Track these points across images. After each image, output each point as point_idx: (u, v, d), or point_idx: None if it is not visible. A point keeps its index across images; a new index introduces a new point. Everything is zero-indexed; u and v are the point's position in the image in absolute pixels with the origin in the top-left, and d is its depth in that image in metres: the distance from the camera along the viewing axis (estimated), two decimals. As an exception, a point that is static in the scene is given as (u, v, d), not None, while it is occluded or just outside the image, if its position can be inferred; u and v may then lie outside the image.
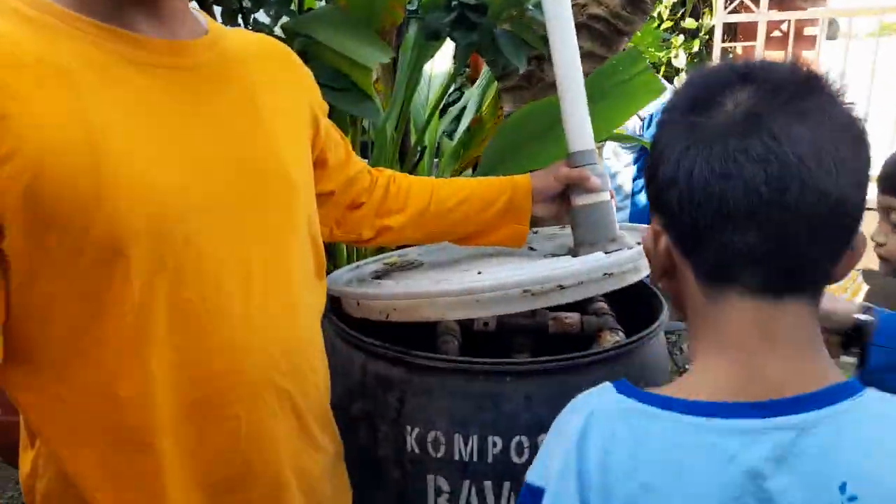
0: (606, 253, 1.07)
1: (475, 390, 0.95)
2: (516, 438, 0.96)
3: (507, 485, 0.97)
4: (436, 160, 2.01)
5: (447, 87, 1.53)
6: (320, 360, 0.83)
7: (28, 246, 0.57)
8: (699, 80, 0.54)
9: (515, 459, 0.96)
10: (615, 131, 1.52)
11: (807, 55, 3.70)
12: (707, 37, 3.78)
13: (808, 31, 3.65)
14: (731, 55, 3.67)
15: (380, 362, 1.01)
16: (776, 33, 3.67)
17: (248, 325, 0.69)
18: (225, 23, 1.23)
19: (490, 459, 0.96)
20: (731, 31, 3.66)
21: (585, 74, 1.61)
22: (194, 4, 1.22)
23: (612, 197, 1.12)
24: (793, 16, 3.53)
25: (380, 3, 1.14)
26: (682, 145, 0.51)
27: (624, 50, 1.54)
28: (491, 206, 1.05)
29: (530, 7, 1.39)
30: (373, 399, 1.02)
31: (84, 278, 0.59)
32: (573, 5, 1.50)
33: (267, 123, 0.73)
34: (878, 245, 1.06)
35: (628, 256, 1.04)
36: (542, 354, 1.16)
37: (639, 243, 1.21)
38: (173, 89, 0.65)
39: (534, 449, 0.96)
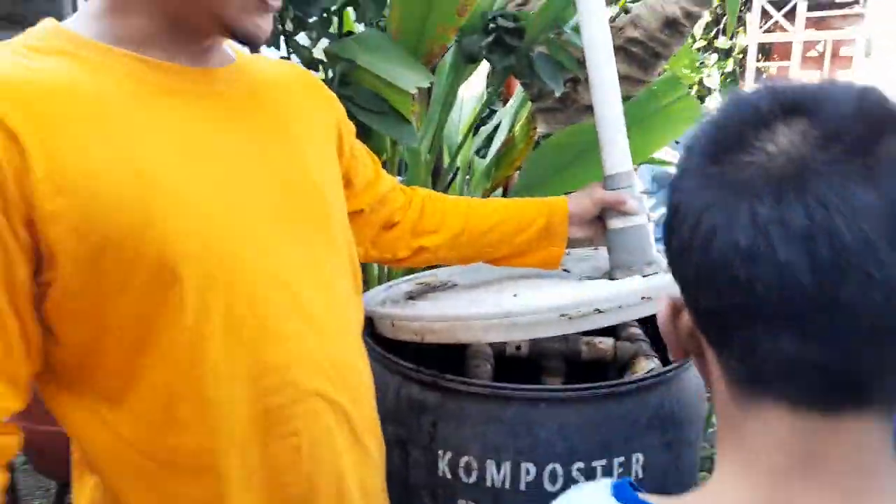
0: (644, 276, 1.07)
1: (509, 416, 0.95)
2: (550, 466, 0.95)
3: (539, 513, 0.96)
4: (466, 177, 2.02)
5: (482, 109, 1.54)
6: (367, 374, 0.84)
7: (81, 272, 0.59)
8: (729, 110, 0.40)
9: (549, 487, 0.95)
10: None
11: (842, 74, 3.65)
12: (741, 56, 3.76)
13: (843, 51, 3.60)
14: (765, 75, 3.63)
15: (414, 386, 1.01)
16: (812, 53, 3.63)
17: (299, 339, 0.70)
18: (267, 45, 1.25)
19: (523, 486, 0.95)
20: (766, 51, 3.62)
21: (623, 98, 1.61)
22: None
23: (649, 220, 1.12)
24: (829, 35, 3.49)
25: (430, 28, 1.15)
26: (699, 203, 0.38)
27: (661, 73, 1.53)
28: (527, 228, 1.05)
29: (567, 30, 1.40)
30: (406, 423, 1.02)
31: (138, 301, 0.61)
32: (610, 28, 1.50)
33: (298, 144, 0.76)
34: None
35: (667, 280, 1.03)
36: (575, 380, 1.16)
37: None
38: (208, 115, 0.68)
39: (567, 477, 0.95)
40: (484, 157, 2.01)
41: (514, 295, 1.07)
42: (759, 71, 3.60)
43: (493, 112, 2.23)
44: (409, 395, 1.02)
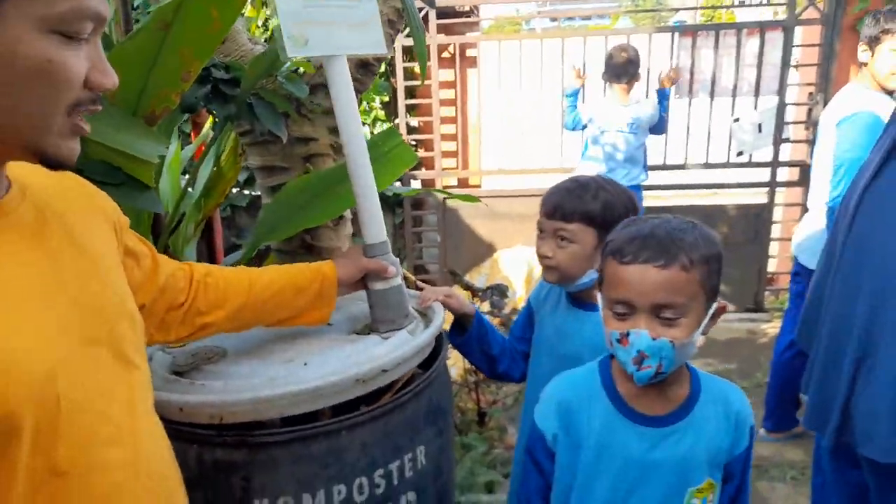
0: (405, 328, 1.25)
1: (317, 451, 1.06)
2: (357, 481, 1.10)
3: (352, 522, 1.11)
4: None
5: (209, 158, 1.53)
6: (180, 481, 0.84)
7: None
8: None
9: (357, 499, 1.10)
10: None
11: (471, 72, 4.38)
12: (391, 56, 4.20)
13: (469, 52, 4.32)
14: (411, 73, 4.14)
15: (218, 450, 1.04)
16: (445, 54, 4.26)
17: (123, 467, 0.70)
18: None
19: (336, 506, 1.08)
20: (409, 52, 4.12)
21: (332, 128, 1.77)
22: None
23: (403, 280, 1.30)
24: (457, 40, 4.14)
25: (151, 91, 1.12)
26: None
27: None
28: (302, 293, 1.14)
29: (280, 78, 1.49)
30: (214, 486, 1.05)
31: None
32: (313, 67, 1.63)
33: (96, 262, 0.74)
34: (546, 258, 1.33)
35: (429, 335, 1.24)
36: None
37: (420, 311, 1.39)
38: (4, 250, 0.64)
39: (371, 484, 1.11)
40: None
41: (305, 364, 1.14)
42: (405, 70, 4.07)
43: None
44: (213, 459, 1.05)
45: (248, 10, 1.92)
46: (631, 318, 0.97)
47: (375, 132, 4.14)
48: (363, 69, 1.68)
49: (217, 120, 1.42)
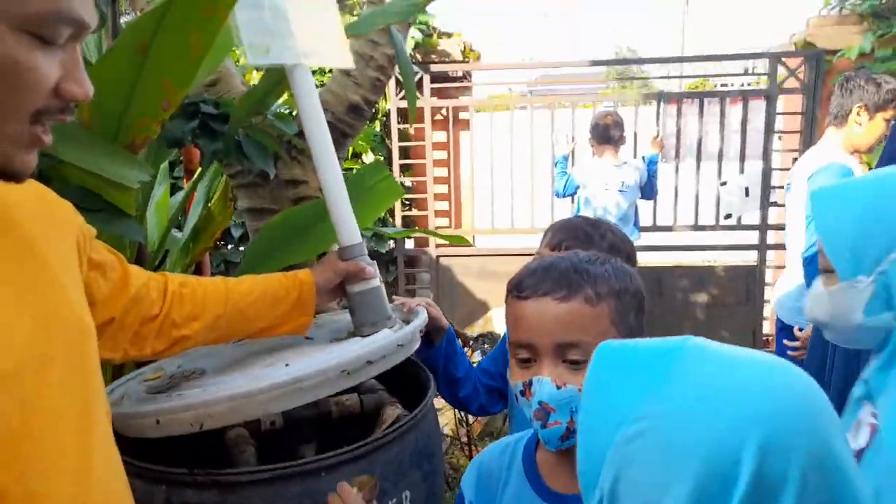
0: (390, 328, 1.22)
1: (294, 492, 0.99)
2: (337, 527, 1.02)
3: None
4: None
5: (188, 191, 1.52)
6: None
7: None
8: None
9: (337, 547, 1.02)
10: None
11: (463, 134, 4.47)
12: (384, 118, 4.28)
13: (462, 115, 4.42)
14: (406, 134, 4.22)
15: (188, 490, 0.97)
16: (438, 117, 4.35)
17: (73, 499, 0.65)
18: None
19: (315, 552, 1.00)
20: (404, 114, 4.20)
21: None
22: None
23: (380, 281, 1.27)
24: (450, 103, 4.24)
25: (131, 119, 1.11)
26: None
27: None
28: (281, 302, 1.11)
29: (269, 116, 1.49)
30: (182, 530, 0.97)
31: None
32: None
33: (55, 275, 0.70)
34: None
35: (410, 329, 1.21)
36: (328, 440, 1.24)
37: (405, 321, 1.36)
38: None
39: (352, 532, 1.03)
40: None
41: (287, 364, 1.10)
42: (399, 131, 4.15)
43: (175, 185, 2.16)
44: (182, 500, 0.98)
45: (243, 59, 1.95)
46: (534, 364, 0.82)
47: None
48: (353, 113, 1.69)
49: (204, 156, 1.41)
